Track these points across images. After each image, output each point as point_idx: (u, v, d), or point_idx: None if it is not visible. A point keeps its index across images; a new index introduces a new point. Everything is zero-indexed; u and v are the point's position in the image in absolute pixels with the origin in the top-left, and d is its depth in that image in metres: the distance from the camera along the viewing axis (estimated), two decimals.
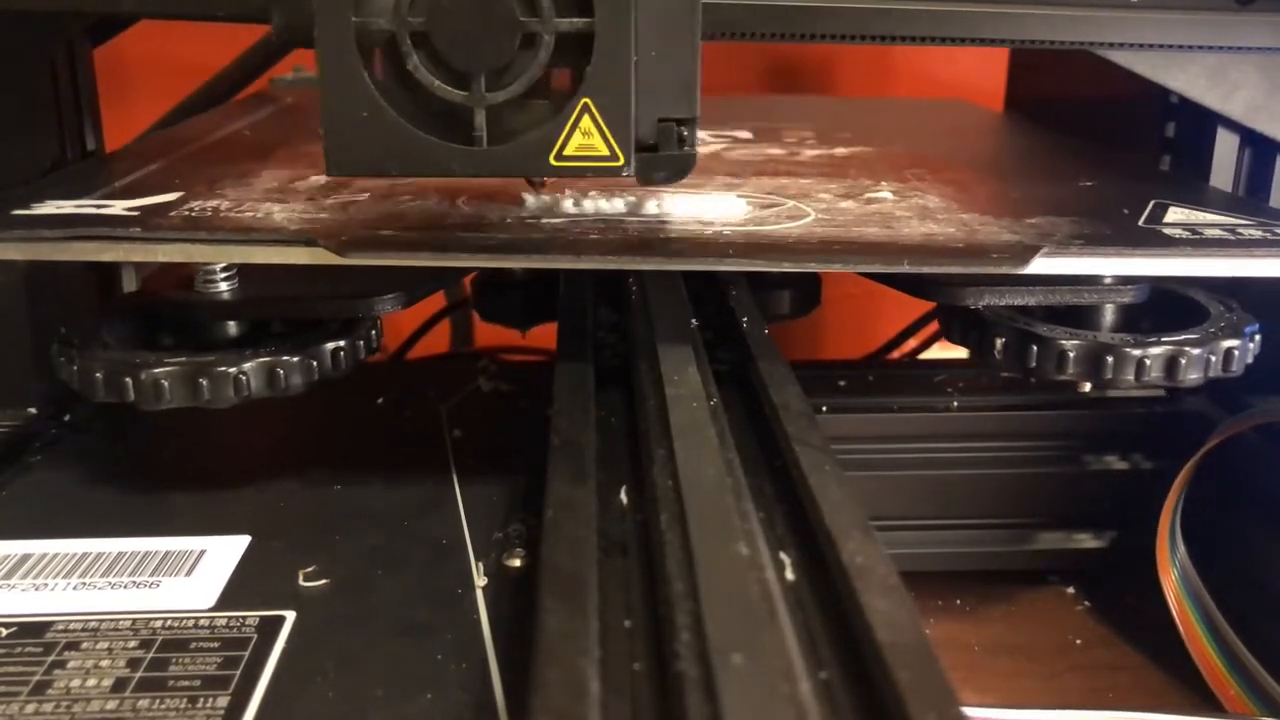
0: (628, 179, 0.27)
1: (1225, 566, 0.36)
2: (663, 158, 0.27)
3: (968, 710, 0.18)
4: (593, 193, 0.33)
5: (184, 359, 0.30)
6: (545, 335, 0.43)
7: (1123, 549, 0.41)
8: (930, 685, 0.18)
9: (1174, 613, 0.36)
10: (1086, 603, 0.40)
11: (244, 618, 0.27)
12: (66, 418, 0.39)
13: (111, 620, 0.26)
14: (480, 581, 0.28)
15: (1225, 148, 0.39)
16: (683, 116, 0.27)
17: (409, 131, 0.26)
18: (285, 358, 0.31)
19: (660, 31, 0.26)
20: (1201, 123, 0.40)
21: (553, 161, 0.26)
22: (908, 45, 0.33)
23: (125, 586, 0.28)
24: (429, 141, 0.26)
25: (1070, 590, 0.41)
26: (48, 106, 0.40)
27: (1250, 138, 0.39)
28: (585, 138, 0.26)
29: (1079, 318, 0.33)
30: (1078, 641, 0.38)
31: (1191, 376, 0.31)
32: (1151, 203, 0.34)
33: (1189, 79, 0.36)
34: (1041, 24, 0.33)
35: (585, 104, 0.26)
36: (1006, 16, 0.33)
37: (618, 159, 0.27)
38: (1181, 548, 0.36)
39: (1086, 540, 0.41)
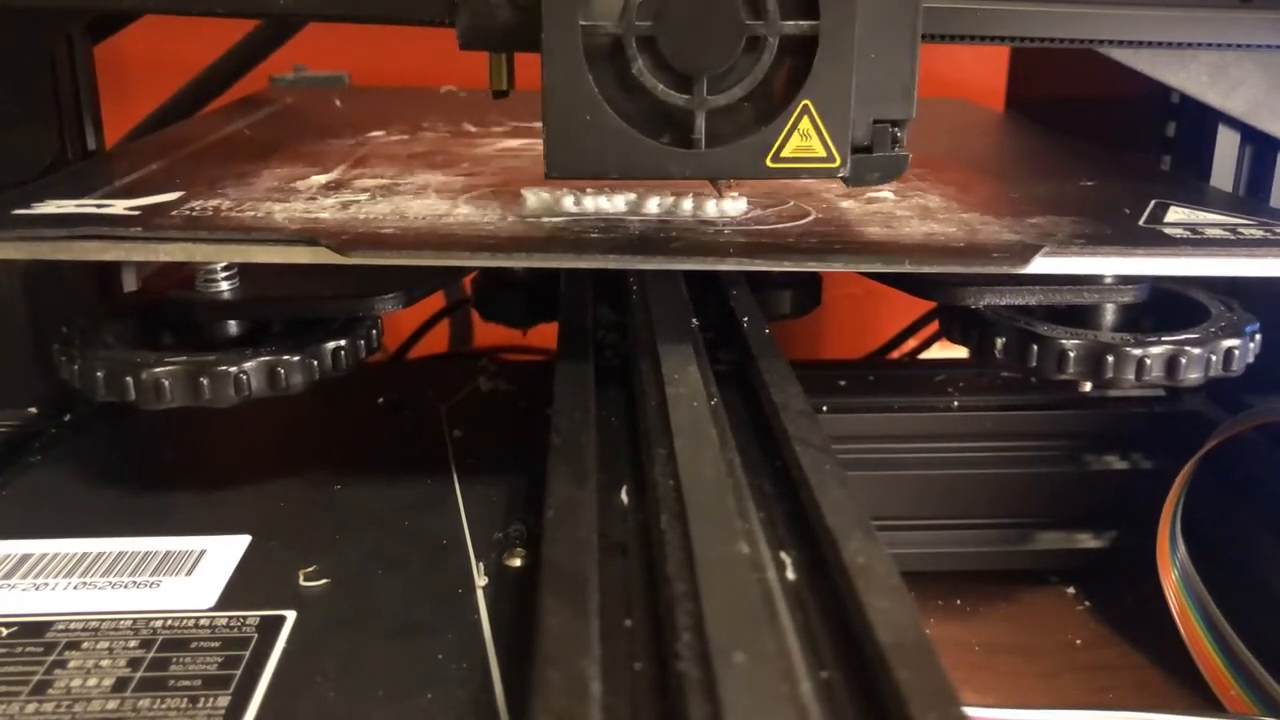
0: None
1: (1225, 566, 0.36)
2: (877, 159, 0.27)
3: (968, 710, 0.18)
4: (590, 190, 0.33)
5: (184, 358, 0.30)
6: (545, 335, 0.43)
7: (1123, 549, 0.41)
8: (931, 685, 0.18)
9: (1174, 612, 0.35)
10: (1087, 603, 0.40)
11: (244, 617, 0.27)
12: (66, 418, 0.39)
13: (112, 620, 0.26)
14: (480, 581, 0.28)
15: (1226, 146, 0.39)
16: (899, 118, 0.27)
17: (630, 134, 0.26)
18: (286, 357, 0.31)
19: (880, 33, 0.26)
20: (1202, 122, 0.40)
21: (769, 163, 0.27)
22: None
23: (126, 586, 0.28)
24: (648, 144, 0.26)
25: (1070, 590, 0.41)
26: (48, 103, 0.40)
27: (1251, 136, 0.39)
28: (803, 139, 0.26)
29: (1080, 317, 0.33)
30: (1078, 641, 0.38)
31: (1192, 376, 0.31)
32: (1152, 202, 0.34)
33: (1190, 76, 0.36)
34: (1043, 21, 0.33)
35: (805, 106, 0.26)
36: (1008, 14, 0.33)
37: (834, 160, 0.27)
38: (1181, 548, 0.36)
39: (1086, 540, 0.41)
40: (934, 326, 0.62)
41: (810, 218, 0.32)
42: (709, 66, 0.26)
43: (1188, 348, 0.31)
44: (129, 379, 0.30)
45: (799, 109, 0.26)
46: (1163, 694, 0.35)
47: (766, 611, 0.20)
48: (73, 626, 0.26)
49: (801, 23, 0.26)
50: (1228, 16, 0.33)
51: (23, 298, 0.39)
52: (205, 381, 0.30)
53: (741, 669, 0.18)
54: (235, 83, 0.55)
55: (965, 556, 0.41)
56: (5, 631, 0.26)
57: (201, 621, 0.26)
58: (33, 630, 0.26)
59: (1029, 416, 0.41)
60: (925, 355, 0.64)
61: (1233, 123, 0.39)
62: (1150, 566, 0.36)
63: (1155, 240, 0.30)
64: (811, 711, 0.18)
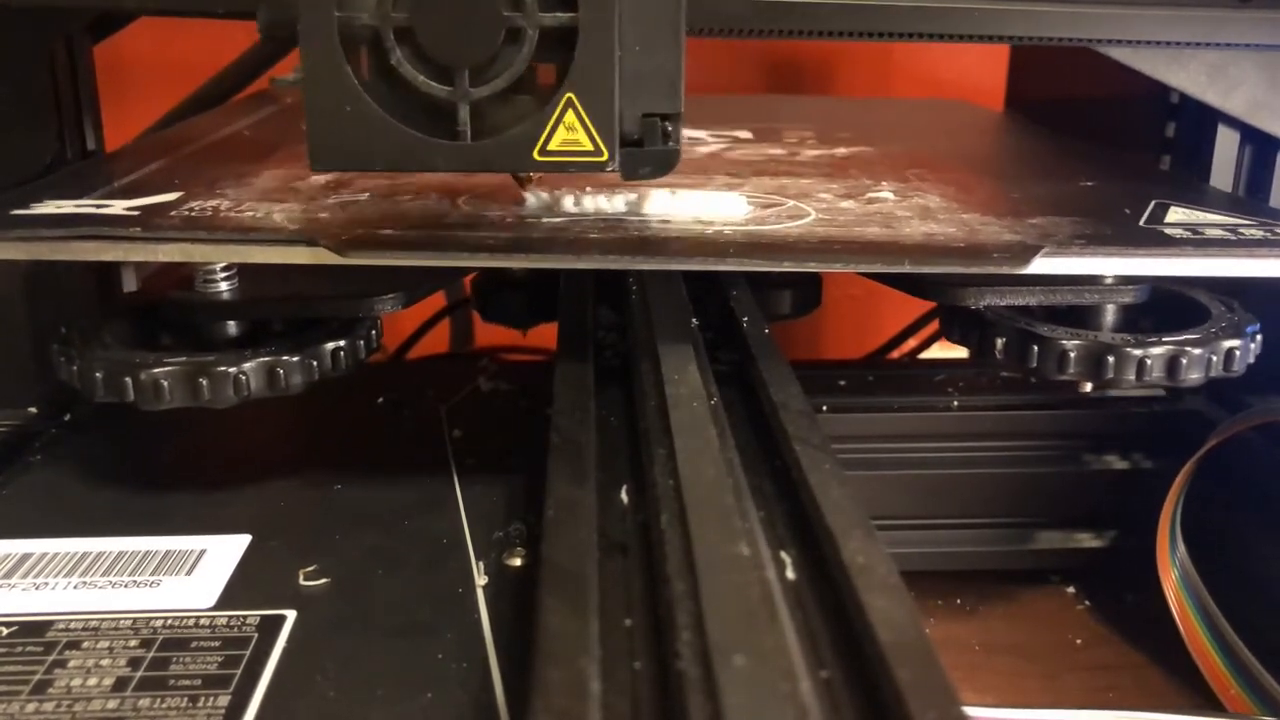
0: (616, 176, 0.27)
1: (1225, 566, 0.36)
2: (647, 153, 0.27)
3: (968, 710, 0.18)
4: (589, 189, 0.33)
5: (184, 359, 0.30)
6: (545, 335, 0.43)
7: (1123, 549, 0.41)
8: (931, 684, 0.18)
9: (1174, 612, 0.35)
10: (1086, 602, 0.40)
11: (244, 617, 0.27)
12: (66, 417, 0.39)
13: (112, 619, 0.26)
14: (480, 581, 0.28)
15: (1225, 146, 0.39)
16: (667, 111, 0.27)
17: (393, 126, 0.26)
18: (285, 357, 0.31)
19: (644, 26, 0.26)
20: (1201, 122, 0.40)
21: (537, 156, 0.26)
22: (907, 42, 0.32)
23: (126, 586, 0.28)
24: (413, 136, 0.26)
25: (1070, 590, 0.41)
26: (47, 104, 0.40)
27: (1250, 135, 0.39)
28: (569, 133, 0.26)
29: (1080, 318, 0.33)
30: (1078, 641, 0.38)
31: (1193, 376, 0.31)
32: (1152, 203, 0.34)
33: (1189, 76, 0.36)
34: (1043, 20, 0.33)
35: (569, 99, 0.26)
36: (1008, 13, 0.33)
37: (601, 154, 0.26)
38: (1181, 547, 0.36)
39: (1086, 540, 0.41)
40: (934, 326, 0.62)
41: (810, 218, 0.32)
42: (469, 58, 0.25)
43: (1188, 348, 0.31)
44: (128, 379, 0.30)
45: (563, 102, 0.26)
46: (1163, 694, 0.35)
47: (766, 611, 0.20)
48: (73, 626, 0.26)
49: (560, 14, 0.25)
50: (1227, 16, 0.33)
51: (23, 298, 0.39)
52: (204, 382, 0.30)
53: (741, 668, 0.18)
54: (245, 88, 0.56)
55: (965, 556, 0.41)
56: (5, 631, 0.26)
57: (202, 621, 0.26)
58: (33, 630, 0.26)
59: (1028, 416, 0.41)
60: (925, 355, 0.64)
61: (1232, 122, 0.39)
62: (1150, 566, 0.36)
63: (1156, 241, 0.30)
64: (811, 710, 0.18)
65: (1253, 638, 0.34)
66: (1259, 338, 0.33)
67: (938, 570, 0.41)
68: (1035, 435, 0.41)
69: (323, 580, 0.28)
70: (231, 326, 0.33)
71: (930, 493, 0.41)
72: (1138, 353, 0.31)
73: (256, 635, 0.26)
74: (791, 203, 0.34)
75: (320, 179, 0.36)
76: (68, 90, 0.40)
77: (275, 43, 0.26)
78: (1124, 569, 0.41)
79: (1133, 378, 0.31)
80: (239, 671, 0.24)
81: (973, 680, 0.36)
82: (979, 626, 0.39)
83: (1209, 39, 0.34)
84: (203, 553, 0.30)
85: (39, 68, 0.39)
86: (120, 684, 0.24)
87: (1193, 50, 0.35)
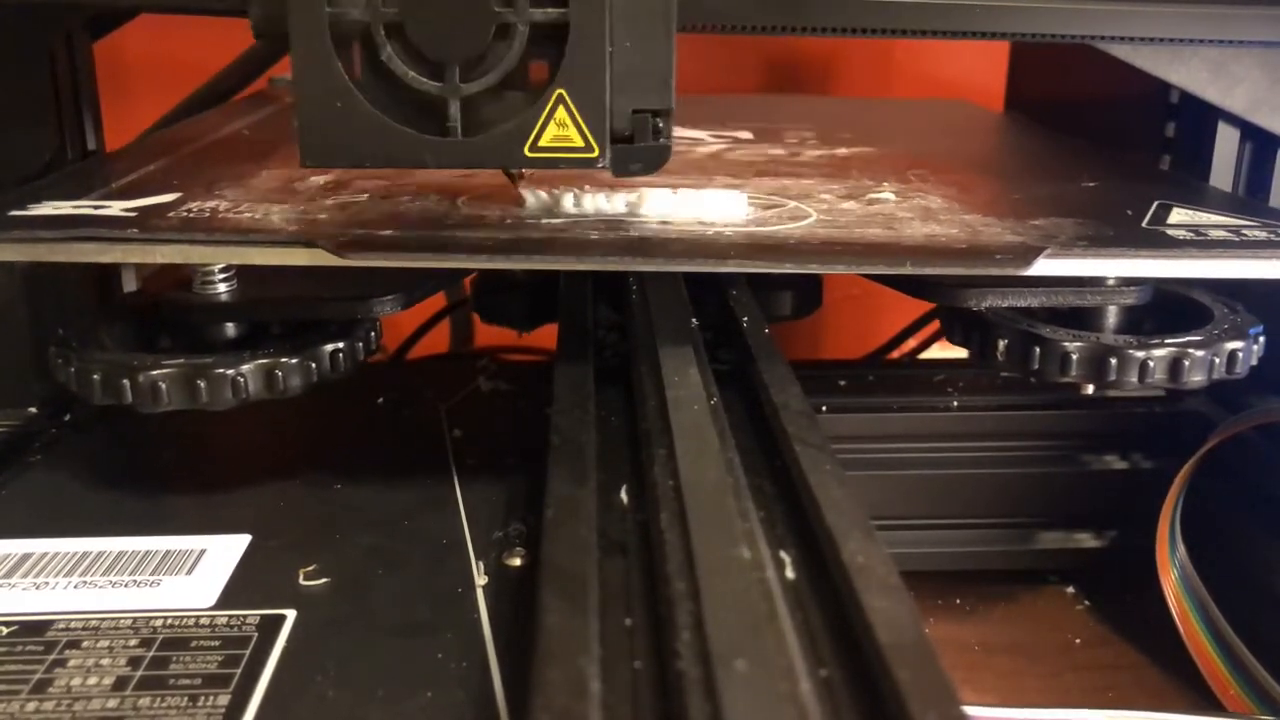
0: (608, 173, 0.27)
1: (1225, 566, 0.36)
2: (638, 149, 0.27)
3: (968, 710, 0.18)
4: (589, 187, 0.33)
5: (182, 361, 0.30)
6: (545, 335, 0.43)
7: (1123, 549, 0.41)
8: (931, 684, 0.18)
9: (1174, 612, 0.35)
10: (1086, 602, 0.40)
11: (244, 616, 0.27)
12: (66, 418, 0.39)
13: (112, 619, 0.26)
14: (480, 581, 0.28)
15: (1225, 144, 0.39)
16: (658, 108, 0.27)
17: (383, 122, 0.26)
18: (284, 360, 0.31)
19: (635, 22, 0.26)
20: (1202, 121, 0.40)
21: (527, 153, 0.26)
22: (907, 39, 0.32)
23: (126, 585, 0.28)
24: (403, 132, 0.26)
25: (1070, 590, 0.41)
26: (47, 102, 0.40)
27: (1250, 133, 0.39)
28: (560, 129, 0.26)
29: (1082, 319, 0.33)
30: (1078, 641, 0.38)
31: (1195, 379, 0.31)
32: (1155, 203, 0.34)
33: (1190, 73, 0.36)
34: (1043, 17, 0.33)
35: (560, 95, 0.26)
36: (1008, 10, 0.33)
37: (592, 150, 0.26)
38: (1181, 547, 0.36)
39: (1086, 540, 0.41)
40: (934, 326, 0.62)
41: (811, 219, 0.32)
42: (459, 54, 0.25)
43: (1191, 350, 0.31)
44: (125, 381, 0.30)
45: (554, 98, 0.26)
46: (1163, 694, 0.35)
47: (766, 610, 0.20)
48: (73, 625, 0.26)
49: (550, 10, 0.25)
50: (1228, 12, 0.33)
51: (23, 298, 0.39)
52: (202, 384, 0.30)
53: (741, 668, 0.18)
54: (245, 88, 0.56)
55: (965, 556, 0.41)
56: (5, 630, 0.26)
57: (202, 620, 0.26)
58: (33, 629, 0.26)
59: (1029, 416, 0.41)
60: (925, 355, 0.64)
61: (1232, 120, 0.39)
62: (1150, 566, 0.36)
63: (1159, 242, 0.30)
64: (811, 710, 0.18)
65: (1253, 638, 0.34)
66: (1262, 339, 0.32)
67: (938, 570, 0.41)
68: (1035, 435, 0.41)
69: (323, 580, 0.28)
70: (230, 328, 0.33)
71: (930, 493, 0.41)
72: (1140, 354, 0.31)
73: (256, 635, 0.26)
74: (793, 204, 0.34)
75: (319, 179, 0.36)
76: (67, 88, 0.40)
77: (268, 39, 0.26)
78: (1124, 569, 0.41)
79: (1135, 380, 0.31)
80: (239, 671, 0.24)
81: (972, 680, 0.36)
82: (979, 626, 0.39)
83: (1210, 35, 0.34)
84: (203, 552, 0.30)
85: (38, 65, 0.39)
86: (120, 683, 0.24)
87: (1194, 47, 0.35)
